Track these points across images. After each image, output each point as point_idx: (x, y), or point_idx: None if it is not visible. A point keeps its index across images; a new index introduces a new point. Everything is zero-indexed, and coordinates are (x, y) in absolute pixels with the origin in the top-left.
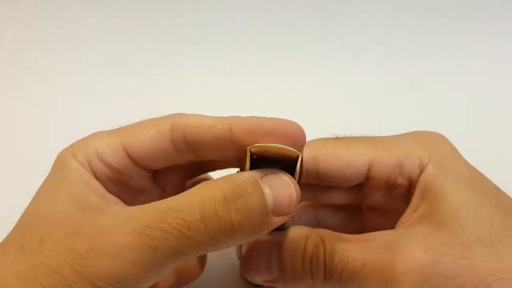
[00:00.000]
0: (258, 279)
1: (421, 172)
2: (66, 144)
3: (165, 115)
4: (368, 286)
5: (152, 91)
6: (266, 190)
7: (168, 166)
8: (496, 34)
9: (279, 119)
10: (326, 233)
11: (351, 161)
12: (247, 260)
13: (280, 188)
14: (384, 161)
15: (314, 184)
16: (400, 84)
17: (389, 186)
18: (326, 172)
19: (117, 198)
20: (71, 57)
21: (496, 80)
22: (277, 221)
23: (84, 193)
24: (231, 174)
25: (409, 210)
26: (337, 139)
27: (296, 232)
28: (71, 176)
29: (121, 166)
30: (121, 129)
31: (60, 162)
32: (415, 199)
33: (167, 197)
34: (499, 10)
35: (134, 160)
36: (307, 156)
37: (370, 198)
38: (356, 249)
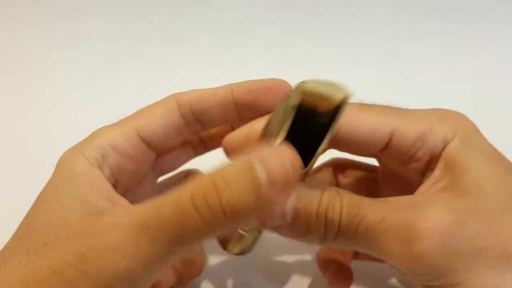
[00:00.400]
0: (269, 223)
1: (444, 147)
2: (65, 143)
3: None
4: (385, 243)
5: (153, 90)
6: (257, 166)
7: (171, 151)
8: (497, 34)
9: (275, 78)
10: (344, 190)
11: (375, 128)
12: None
13: (272, 160)
14: (406, 132)
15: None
16: (400, 83)
17: (408, 158)
18: (348, 137)
19: (123, 198)
20: (71, 57)
21: (497, 80)
22: (276, 196)
23: (92, 198)
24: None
25: (429, 181)
26: (362, 105)
27: (313, 183)
28: (79, 180)
29: (137, 152)
30: (126, 119)
31: (66, 164)
32: (437, 171)
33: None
34: (499, 10)
35: (148, 143)
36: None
37: (386, 170)
38: (375, 206)
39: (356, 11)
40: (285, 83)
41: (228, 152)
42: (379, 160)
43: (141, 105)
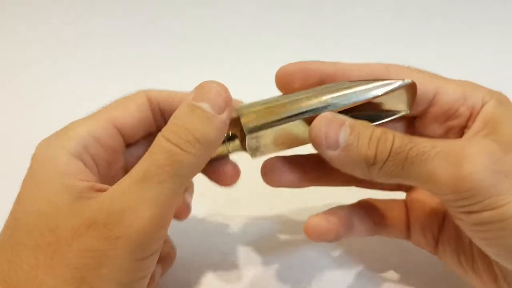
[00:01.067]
0: (322, 149)
1: (481, 105)
2: None
3: (132, 92)
4: (434, 166)
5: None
6: (201, 104)
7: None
8: (497, 34)
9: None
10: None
11: (422, 84)
12: (315, 129)
13: (209, 93)
14: (450, 91)
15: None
16: None
17: (450, 115)
18: None
19: (107, 186)
20: (71, 57)
21: (497, 79)
22: (225, 116)
23: (78, 186)
24: None
25: (469, 134)
26: (410, 67)
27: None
28: (61, 169)
29: (115, 143)
30: (101, 111)
31: (46, 156)
32: (476, 125)
33: None
34: (499, 10)
35: (123, 135)
36: (383, 72)
37: (426, 130)
38: (425, 139)
39: (355, 12)
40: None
41: (280, 83)
42: (421, 124)
43: None
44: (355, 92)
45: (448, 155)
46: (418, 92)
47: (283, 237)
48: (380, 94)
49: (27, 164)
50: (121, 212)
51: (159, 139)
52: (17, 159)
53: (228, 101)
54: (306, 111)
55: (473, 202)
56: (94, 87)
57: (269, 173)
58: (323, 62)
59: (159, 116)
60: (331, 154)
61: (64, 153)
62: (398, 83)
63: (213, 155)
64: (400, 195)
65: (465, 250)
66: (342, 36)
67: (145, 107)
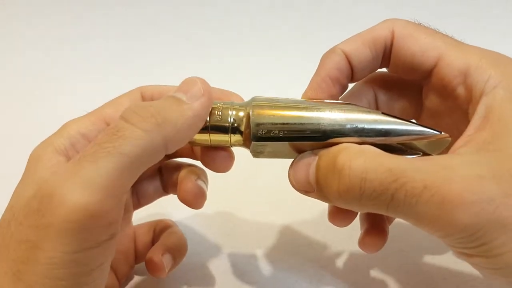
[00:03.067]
0: (297, 187)
1: (483, 91)
2: None
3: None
4: (424, 210)
5: None
6: (178, 94)
7: None
8: (497, 34)
9: (224, 90)
10: (373, 149)
11: (423, 50)
12: (289, 177)
13: (185, 82)
14: (452, 63)
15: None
16: None
17: (449, 94)
18: (399, 52)
19: None
20: (71, 58)
21: None
22: (197, 104)
23: (47, 178)
24: None
25: (469, 131)
26: (417, 25)
27: (334, 146)
28: (40, 167)
29: None
30: (94, 110)
31: (34, 157)
32: (477, 120)
33: None
34: (499, 10)
35: None
36: (386, 31)
37: (427, 102)
38: (417, 169)
39: (354, 11)
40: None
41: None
42: (424, 96)
43: None
44: (378, 126)
45: (442, 200)
46: (420, 55)
47: (283, 237)
48: (407, 141)
49: (26, 163)
50: (50, 196)
51: (116, 119)
52: (16, 159)
53: (204, 91)
54: (322, 136)
55: (466, 246)
56: (94, 87)
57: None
58: (326, 58)
59: None
60: (313, 197)
61: (49, 151)
62: (433, 134)
63: (211, 143)
64: None
65: None
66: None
67: (138, 102)
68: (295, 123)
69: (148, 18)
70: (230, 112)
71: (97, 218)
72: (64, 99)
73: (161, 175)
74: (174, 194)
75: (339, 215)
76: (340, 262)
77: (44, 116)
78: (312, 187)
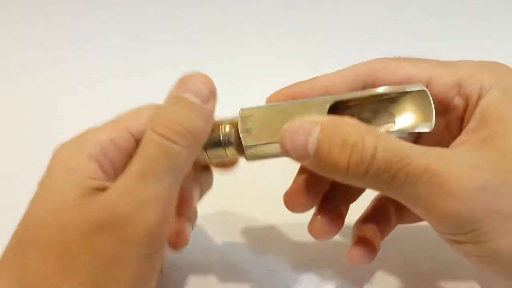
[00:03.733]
0: (292, 155)
1: (480, 95)
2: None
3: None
4: (423, 191)
5: (153, 91)
6: (187, 95)
7: None
8: (496, 35)
9: None
10: (374, 127)
11: (411, 76)
12: (283, 139)
13: (195, 84)
14: (443, 79)
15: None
16: None
17: (444, 107)
18: (385, 83)
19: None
20: (71, 58)
21: None
22: (211, 106)
23: (87, 181)
24: None
25: (467, 132)
26: (397, 58)
27: (340, 118)
28: (74, 168)
29: (131, 148)
30: (112, 120)
31: (62, 160)
32: (473, 122)
33: None
34: (499, 10)
35: (137, 141)
36: (367, 70)
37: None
38: (419, 154)
39: (354, 11)
40: None
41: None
42: None
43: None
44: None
45: (441, 183)
46: (408, 82)
47: (284, 237)
48: (381, 91)
49: (26, 164)
50: (128, 214)
51: (149, 133)
52: (16, 159)
53: (212, 91)
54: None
55: (457, 232)
56: (94, 87)
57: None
58: (302, 82)
59: None
60: (304, 163)
61: (81, 155)
62: (404, 88)
63: (213, 161)
64: None
65: None
66: (341, 36)
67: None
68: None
69: (148, 18)
70: (220, 127)
71: (165, 225)
72: (64, 99)
73: None
74: None
75: (301, 198)
76: (340, 262)
77: (44, 116)
78: (308, 155)
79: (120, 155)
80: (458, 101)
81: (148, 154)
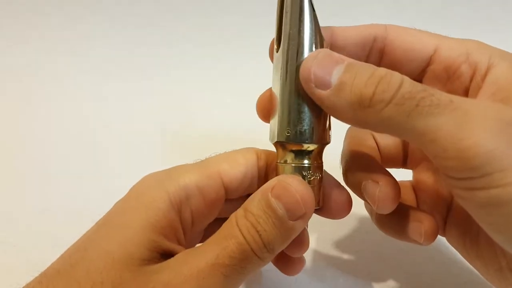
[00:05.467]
0: (311, 87)
1: (490, 65)
2: (66, 144)
3: (245, 148)
4: (443, 122)
5: (153, 92)
6: (277, 205)
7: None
8: (497, 35)
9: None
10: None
11: (420, 39)
12: (306, 64)
13: (288, 197)
14: (452, 46)
15: None
16: None
17: (450, 75)
18: (393, 47)
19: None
20: (71, 58)
21: None
22: (300, 224)
23: (161, 244)
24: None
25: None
26: (407, 27)
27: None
28: (152, 219)
29: (218, 198)
30: (209, 160)
31: (144, 195)
32: (485, 89)
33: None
34: (498, 10)
35: (226, 190)
36: (379, 28)
37: None
38: (441, 92)
39: (354, 11)
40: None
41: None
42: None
43: (141, 106)
44: None
45: (465, 112)
46: (417, 46)
47: None
48: None
49: (26, 164)
50: None
51: (234, 228)
52: (16, 159)
53: (307, 209)
54: None
55: (479, 174)
56: (94, 87)
57: None
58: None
59: (263, 175)
60: (319, 94)
61: (164, 198)
62: None
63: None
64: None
65: (471, 235)
66: None
67: (253, 162)
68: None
69: (149, 19)
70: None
71: None
72: (64, 99)
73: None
74: None
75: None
76: (340, 262)
77: (44, 116)
78: (329, 83)
79: (204, 204)
80: (465, 69)
81: (227, 247)
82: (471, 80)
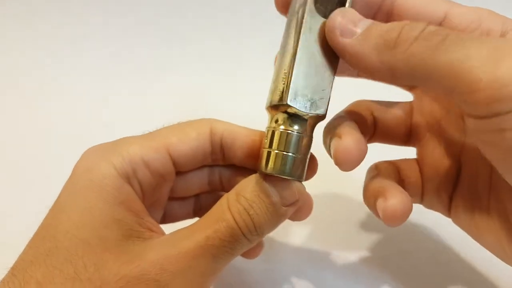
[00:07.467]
0: (336, 36)
1: (504, 31)
2: (66, 144)
3: (199, 118)
4: (472, 51)
5: (153, 92)
6: (272, 191)
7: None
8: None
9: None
10: None
11: (430, 3)
12: (333, 15)
13: (283, 186)
14: (463, 12)
15: None
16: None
17: None
18: (402, 9)
19: (154, 222)
20: (71, 57)
21: None
22: (291, 210)
23: (125, 219)
24: (238, 187)
25: None
26: None
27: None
28: (109, 195)
29: (166, 171)
30: (156, 134)
31: (92, 171)
32: None
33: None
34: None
35: (175, 163)
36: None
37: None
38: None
39: None
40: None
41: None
42: None
43: (141, 106)
44: None
45: (495, 46)
46: (428, 12)
47: (283, 236)
48: None
49: (26, 164)
50: (173, 275)
51: (226, 211)
52: (16, 160)
53: (300, 195)
54: None
55: (494, 110)
56: (94, 87)
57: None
58: None
59: (218, 149)
60: (343, 42)
61: (112, 175)
62: None
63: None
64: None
65: (481, 208)
66: None
67: (206, 137)
68: None
69: (149, 19)
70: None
71: None
72: (64, 99)
73: (198, 199)
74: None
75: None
76: (340, 262)
77: (44, 116)
78: (354, 31)
79: (151, 177)
80: (479, 34)
81: (217, 229)
82: None
